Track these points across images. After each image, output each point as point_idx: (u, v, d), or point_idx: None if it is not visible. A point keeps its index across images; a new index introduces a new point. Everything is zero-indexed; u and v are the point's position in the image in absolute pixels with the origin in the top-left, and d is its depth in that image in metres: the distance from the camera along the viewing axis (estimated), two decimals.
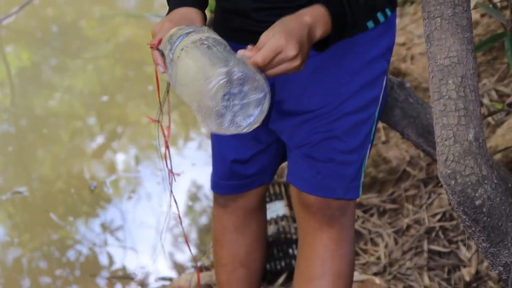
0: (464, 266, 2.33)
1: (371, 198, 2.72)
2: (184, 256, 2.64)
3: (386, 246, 2.44)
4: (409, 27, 3.30)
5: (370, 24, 1.63)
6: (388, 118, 2.13)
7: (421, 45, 3.22)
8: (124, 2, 4.20)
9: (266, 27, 1.51)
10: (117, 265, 2.78)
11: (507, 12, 2.32)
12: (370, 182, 2.74)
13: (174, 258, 2.64)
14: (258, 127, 1.49)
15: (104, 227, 2.76)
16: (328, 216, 1.75)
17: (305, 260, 1.83)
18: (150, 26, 3.96)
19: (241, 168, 1.92)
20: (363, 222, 2.54)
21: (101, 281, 2.64)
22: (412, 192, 2.71)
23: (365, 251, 2.53)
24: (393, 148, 2.78)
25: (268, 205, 2.56)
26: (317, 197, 1.73)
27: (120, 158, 3.29)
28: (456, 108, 1.45)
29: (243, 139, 1.84)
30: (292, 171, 1.79)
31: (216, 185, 1.95)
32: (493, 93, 2.65)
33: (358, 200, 2.54)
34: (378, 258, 2.49)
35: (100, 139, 3.32)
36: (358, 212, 2.65)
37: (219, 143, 1.94)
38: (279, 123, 1.75)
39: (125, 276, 2.70)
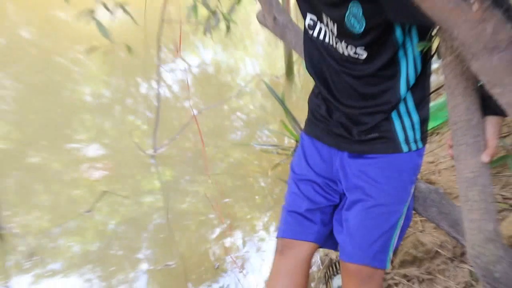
0: None
1: (412, 271, 2.62)
2: None
3: None
4: (436, 150, 3.25)
5: (405, 147, 1.69)
6: (427, 214, 2.12)
7: (445, 163, 3.17)
8: (233, 135, 4.25)
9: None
10: None
11: (508, 139, 2.39)
12: (411, 260, 2.65)
13: None
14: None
15: None
16: (359, 279, 1.74)
17: None
18: (253, 152, 3.83)
19: (309, 214, 1.85)
20: None
21: None
22: (442, 266, 2.60)
23: None
24: (427, 235, 2.70)
25: (337, 276, 2.55)
26: (353, 264, 1.73)
27: (236, 242, 3.25)
28: (479, 207, 1.45)
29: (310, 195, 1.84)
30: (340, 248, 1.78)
31: (280, 230, 1.88)
32: (499, 197, 2.56)
33: (403, 272, 2.59)
34: None
35: (220, 229, 3.33)
36: (403, 281, 2.56)
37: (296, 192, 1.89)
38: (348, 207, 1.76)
39: None
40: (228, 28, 2.88)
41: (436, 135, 3.38)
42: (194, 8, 2.86)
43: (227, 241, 3.20)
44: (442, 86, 3.44)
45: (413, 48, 1.56)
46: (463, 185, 1.45)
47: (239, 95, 4.12)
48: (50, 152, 3.86)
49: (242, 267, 3.01)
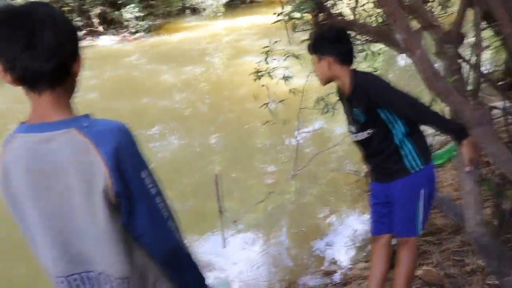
0: None
1: (430, 238, 2.45)
2: None
3: None
4: (442, 176, 3.06)
5: (412, 171, 1.59)
6: (441, 208, 2.22)
7: (447, 182, 2.97)
8: (332, 164, 3.87)
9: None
10: None
11: (483, 170, 2.09)
12: (429, 232, 2.45)
13: None
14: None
15: None
16: (402, 244, 1.70)
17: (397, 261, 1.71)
18: (344, 173, 3.70)
19: (379, 208, 1.76)
20: None
21: None
22: (445, 236, 2.44)
23: None
24: (438, 220, 2.57)
25: None
26: (397, 237, 1.72)
27: (333, 217, 3.17)
28: (472, 206, 1.46)
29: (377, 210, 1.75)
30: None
31: (371, 232, 1.83)
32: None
33: (425, 239, 2.51)
34: None
35: (328, 210, 3.25)
36: (425, 244, 2.37)
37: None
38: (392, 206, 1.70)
39: None
40: (333, 111, 2.86)
41: (442, 167, 3.20)
42: (317, 102, 2.90)
43: (330, 216, 3.19)
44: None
45: (396, 118, 1.55)
46: (465, 193, 1.48)
47: (337, 145, 3.90)
48: (244, 171, 3.89)
49: (335, 229, 3.01)
